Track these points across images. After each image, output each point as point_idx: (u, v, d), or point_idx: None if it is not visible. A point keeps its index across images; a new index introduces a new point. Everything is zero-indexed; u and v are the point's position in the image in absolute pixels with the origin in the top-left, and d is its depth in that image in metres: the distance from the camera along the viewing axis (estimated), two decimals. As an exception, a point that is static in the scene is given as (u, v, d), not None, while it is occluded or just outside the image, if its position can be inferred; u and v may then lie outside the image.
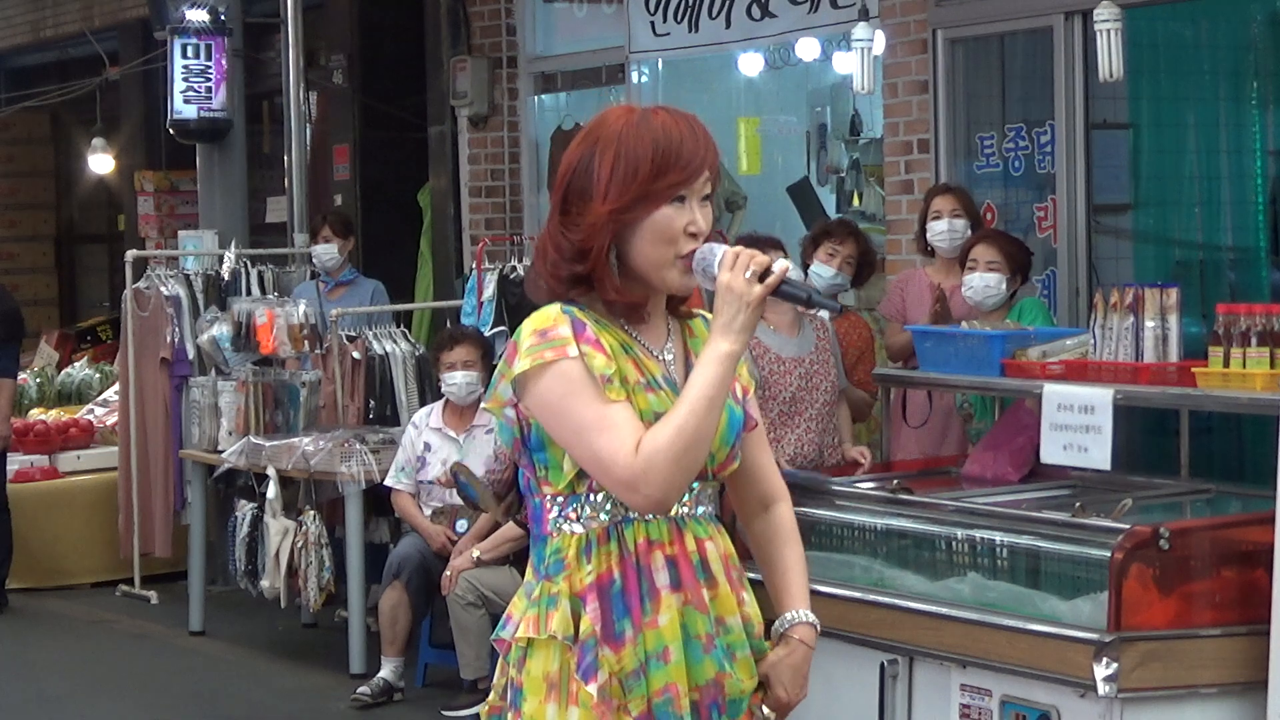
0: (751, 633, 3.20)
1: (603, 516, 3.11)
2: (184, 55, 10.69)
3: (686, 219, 3.10)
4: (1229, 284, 7.91)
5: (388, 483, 7.94)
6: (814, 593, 6.32)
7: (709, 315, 3.33)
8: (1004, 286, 6.74)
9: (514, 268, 8.73)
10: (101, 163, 14.61)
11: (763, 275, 3.05)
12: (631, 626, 3.08)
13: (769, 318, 6.66)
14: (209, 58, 10.68)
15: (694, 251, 3.10)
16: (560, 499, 3.14)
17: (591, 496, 3.11)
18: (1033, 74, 7.91)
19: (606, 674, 3.07)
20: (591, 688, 3.06)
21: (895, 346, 7.25)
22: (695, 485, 3.15)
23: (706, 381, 3.02)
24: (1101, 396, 5.74)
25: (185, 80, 10.70)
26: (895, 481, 6.15)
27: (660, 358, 3.18)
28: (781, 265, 3.06)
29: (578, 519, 3.13)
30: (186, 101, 10.76)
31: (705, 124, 3.19)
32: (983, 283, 6.73)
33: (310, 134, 11.59)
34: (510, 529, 7.08)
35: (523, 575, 7.77)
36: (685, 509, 3.15)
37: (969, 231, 7.10)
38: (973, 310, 6.81)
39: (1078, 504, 5.59)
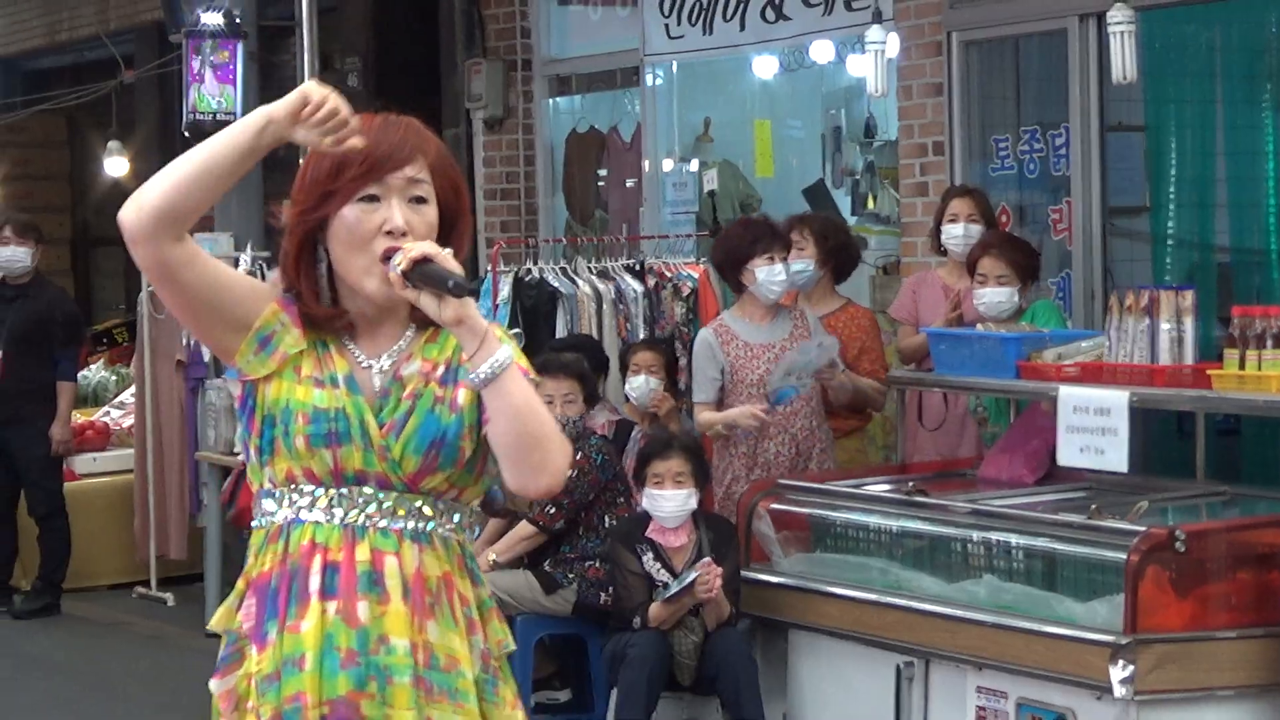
0: (437, 665, 2.97)
1: (278, 515, 3.04)
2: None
3: (381, 218, 2.96)
4: (1244, 286, 7.90)
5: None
6: (831, 595, 6.35)
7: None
8: (1015, 298, 6.67)
9: (529, 270, 8.72)
10: (117, 166, 14.59)
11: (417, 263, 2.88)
12: (276, 629, 2.97)
13: (746, 308, 6.89)
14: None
15: (392, 253, 2.92)
16: (260, 492, 3.09)
17: (275, 491, 3.04)
18: (1047, 76, 7.90)
19: (242, 673, 2.99)
20: (213, 684, 3.03)
21: (909, 349, 7.22)
22: (387, 499, 2.99)
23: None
24: (1117, 399, 5.74)
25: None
26: (911, 484, 6.16)
27: (363, 363, 3.03)
28: (415, 252, 2.88)
29: (262, 515, 3.08)
30: None
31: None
32: (995, 298, 6.64)
33: (325, 137, 11.59)
34: (523, 529, 7.09)
35: (536, 577, 7.71)
36: (365, 519, 2.99)
37: (984, 237, 7.05)
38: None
39: (1093, 506, 5.59)
